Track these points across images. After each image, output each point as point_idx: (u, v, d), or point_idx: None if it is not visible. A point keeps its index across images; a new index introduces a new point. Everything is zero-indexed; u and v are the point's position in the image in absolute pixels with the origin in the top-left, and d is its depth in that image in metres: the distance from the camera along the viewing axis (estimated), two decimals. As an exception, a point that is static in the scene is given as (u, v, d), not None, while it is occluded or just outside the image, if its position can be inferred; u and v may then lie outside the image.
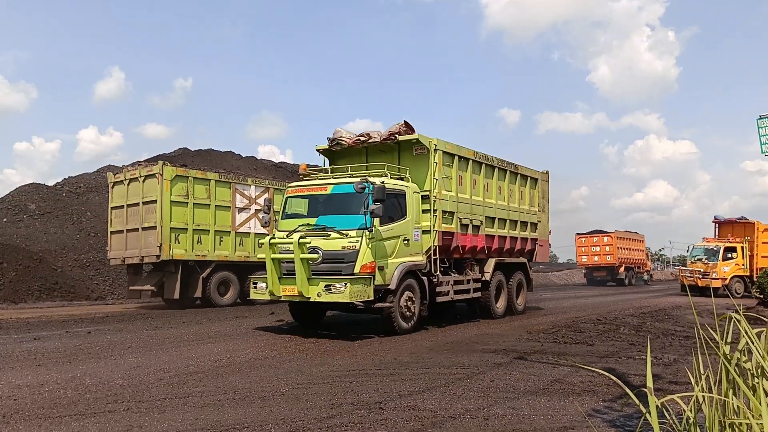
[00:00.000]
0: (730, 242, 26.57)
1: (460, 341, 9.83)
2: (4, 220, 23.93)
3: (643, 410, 2.31)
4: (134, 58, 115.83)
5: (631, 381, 6.65)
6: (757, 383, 2.45)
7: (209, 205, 16.67)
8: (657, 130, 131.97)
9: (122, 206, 16.93)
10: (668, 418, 2.80)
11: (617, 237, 37.18)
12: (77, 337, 10.05)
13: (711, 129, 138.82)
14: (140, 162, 19.73)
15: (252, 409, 5.23)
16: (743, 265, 26.48)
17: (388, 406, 5.34)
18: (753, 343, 2.51)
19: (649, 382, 2.37)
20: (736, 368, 2.60)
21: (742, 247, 26.53)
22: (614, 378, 2.75)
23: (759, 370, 2.47)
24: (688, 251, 28.92)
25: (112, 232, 17.42)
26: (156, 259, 15.89)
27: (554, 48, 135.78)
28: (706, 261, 26.27)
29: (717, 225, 28.94)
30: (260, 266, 11.55)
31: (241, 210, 17.51)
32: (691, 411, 2.61)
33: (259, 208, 17.56)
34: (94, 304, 18.98)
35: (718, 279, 25.61)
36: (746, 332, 2.49)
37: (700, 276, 26.13)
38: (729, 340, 2.83)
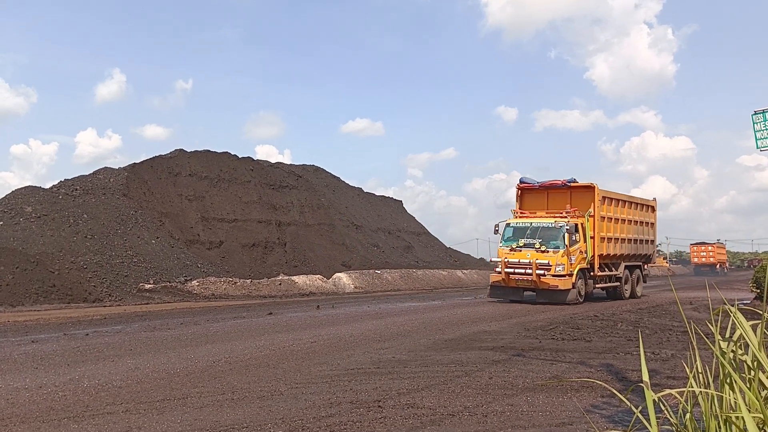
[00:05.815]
0: (573, 217, 16.97)
1: (459, 339, 9.85)
2: (0, 223, 23.87)
3: (634, 410, 2.32)
4: (135, 60, 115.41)
5: (629, 377, 6.68)
6: (753, 377, 2.46)
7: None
8: (654, 127, 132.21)
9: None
10: (665, 412, 2.81)
11: (716, 246, 63.85)
12: (75, 340, 10.04)
13: (707, 124, 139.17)
14: None
15: (251, 409, 5.24)
16: (585, 251, 17.15)
17: (386, 405, 5.35)
18: (748, 337, 2.52)
19: (645, 377, 2.38)
20: (732, 362, 2.60)
21: (583, 225, 17.13)
22: (600, 382, 2.75)
23: (755, 363, 2.48)
24: (499, 233, 17.90)
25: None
26: None
27: (552, 46, 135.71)
28: (543, 248, 16.49)
29: (520, 192, 18.87)
30: None
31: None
32: (687, 405, 2.61)
33: None
34: (91, 307, 18.94)
35: (565, 276, 16.31)
36: (741, 325, 2.50)
37: (543, 272, 16.37)
38: (728, 335, 2.83)
